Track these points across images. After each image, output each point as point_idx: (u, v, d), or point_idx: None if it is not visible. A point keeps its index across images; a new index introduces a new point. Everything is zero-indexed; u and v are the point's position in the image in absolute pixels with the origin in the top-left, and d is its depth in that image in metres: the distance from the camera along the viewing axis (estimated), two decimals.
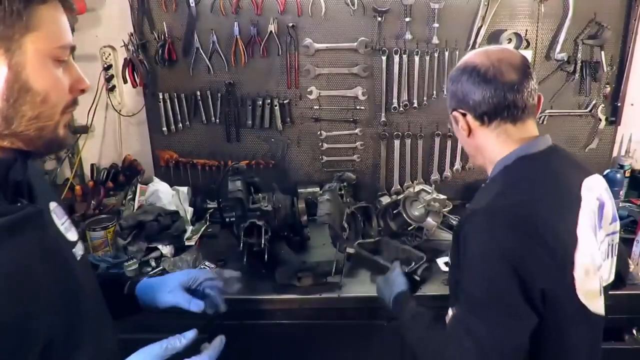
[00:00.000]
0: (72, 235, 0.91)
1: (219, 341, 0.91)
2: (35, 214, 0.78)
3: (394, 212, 1.90)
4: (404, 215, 1.85)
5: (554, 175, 1.07)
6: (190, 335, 0.82)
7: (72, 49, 0.79)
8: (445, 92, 1.24)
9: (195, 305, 1.09)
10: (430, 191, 1.85)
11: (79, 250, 0.91)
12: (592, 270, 1.01)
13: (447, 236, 1.91)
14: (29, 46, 0.71)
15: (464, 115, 1.12)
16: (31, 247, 0.75)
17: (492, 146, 1.12)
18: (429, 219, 1.83)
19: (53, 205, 0.89)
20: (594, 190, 1.07)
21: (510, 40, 2.06)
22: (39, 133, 0.76)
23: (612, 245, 1.15)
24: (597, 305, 1.05)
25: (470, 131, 1.13)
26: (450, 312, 1.12)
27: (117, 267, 1.75)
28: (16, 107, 0.72)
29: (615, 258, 1.17)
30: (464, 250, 1.03)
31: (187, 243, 1.96)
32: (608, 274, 1.14)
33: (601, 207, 1.08)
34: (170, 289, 1.12)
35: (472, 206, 1.09)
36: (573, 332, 1.02)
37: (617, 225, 1.16)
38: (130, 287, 1.15)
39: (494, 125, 1.10)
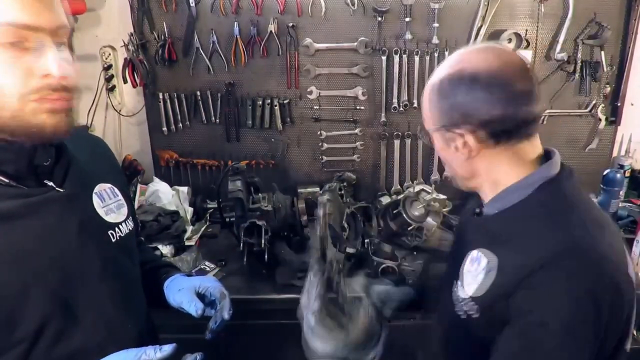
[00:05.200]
0: (114, 217, 0.93)
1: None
2: (57, 198, 0.81)
3: (394, 212, 1.90)
4: (404, 215, 1.85)
5: (589, 201, 0.91)
6: (168, 349, 0.78)
7: (44, 30, 0.71)
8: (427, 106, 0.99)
9: (194, 307, 1.02)
10: (430, 191, 1.85)
11: (118, 232, 0.92)
12: None
13: (447, 236, 1.90)
14: None
15: (461, 135, 0.89)
16: (42, 228, 0.78)
17: (504, 168, 0.91)
18: (429, 219, 1.83)
19: (101, 187, 0.92)
20: None
21: (510, 40, 2.06)
22: (16, 122, 0.72)
23: None
24: None
25: (473, 153, 0.90)
26: None
27: None
28: None
29: None
30: (539, 308, 0.78)
31: (187, 243, 1.96)
32: None
33: None
34: (181, 287, 1.08)
35: (534, 252, 0.80)
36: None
37: None
38: (165, 280, 1.14)
39: (509, 144, 0.88)
